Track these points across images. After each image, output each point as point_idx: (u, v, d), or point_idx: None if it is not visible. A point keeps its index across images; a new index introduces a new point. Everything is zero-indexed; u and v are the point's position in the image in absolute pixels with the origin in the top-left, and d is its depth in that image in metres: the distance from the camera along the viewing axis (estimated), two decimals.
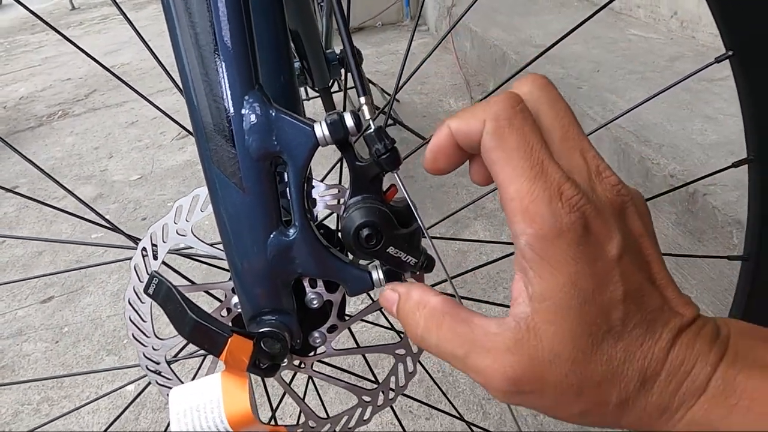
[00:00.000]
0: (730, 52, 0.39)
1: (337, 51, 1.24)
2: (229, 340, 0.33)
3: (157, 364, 0.42)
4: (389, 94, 2.18)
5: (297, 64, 1.23)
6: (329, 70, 1.19)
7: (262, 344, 0.35)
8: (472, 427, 0.63)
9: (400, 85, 0.51)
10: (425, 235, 0.34)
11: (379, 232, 0.33)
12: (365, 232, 0.33)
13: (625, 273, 0.22)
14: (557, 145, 0.24)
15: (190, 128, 0.35)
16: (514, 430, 0.88)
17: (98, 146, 2.27)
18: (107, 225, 0.50)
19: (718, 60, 0.41)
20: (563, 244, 0.22)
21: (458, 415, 0.63)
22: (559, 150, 0.24)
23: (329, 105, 1.33)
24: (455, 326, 0.25)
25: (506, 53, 1.89)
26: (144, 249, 0.39)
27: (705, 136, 1.13)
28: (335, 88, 1.36)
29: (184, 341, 0.42)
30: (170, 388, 0.42)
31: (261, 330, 0.36)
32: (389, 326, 0.73)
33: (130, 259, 0.40)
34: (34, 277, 1.43)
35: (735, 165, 0.43)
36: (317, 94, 1.35)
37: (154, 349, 0.41)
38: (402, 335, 0.42)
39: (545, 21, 2.15)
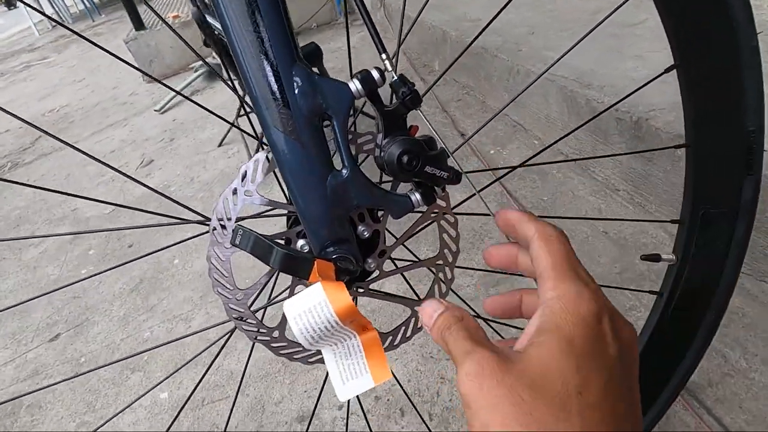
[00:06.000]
0: None
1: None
2: (315, 262, 0.41)
3: (241, 311, 0.49)
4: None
5: None
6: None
7: (338, 264, 0.43)
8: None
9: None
10: (449, 153, 0.43)
11: (416, 155, 0.42)
12: (406, 158, 0.42)
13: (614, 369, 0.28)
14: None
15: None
16: None
17: (60, 188, 2.24)
18: (179, 203, 0.57)
19: None
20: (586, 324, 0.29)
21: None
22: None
23: None
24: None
25: (446, 31, 2.00)
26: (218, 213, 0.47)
27: (638, 72, 1.27)
28: None
29: (261, 289, 0.50)
30: (254, 332, 0.50)
31: (334, 255, 0.44)
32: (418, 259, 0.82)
33: (193, 235, 0.47)
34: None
35: (667, 70, 0.54)
36: None
37: (237, 299, 0.48)
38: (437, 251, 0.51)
39: None
